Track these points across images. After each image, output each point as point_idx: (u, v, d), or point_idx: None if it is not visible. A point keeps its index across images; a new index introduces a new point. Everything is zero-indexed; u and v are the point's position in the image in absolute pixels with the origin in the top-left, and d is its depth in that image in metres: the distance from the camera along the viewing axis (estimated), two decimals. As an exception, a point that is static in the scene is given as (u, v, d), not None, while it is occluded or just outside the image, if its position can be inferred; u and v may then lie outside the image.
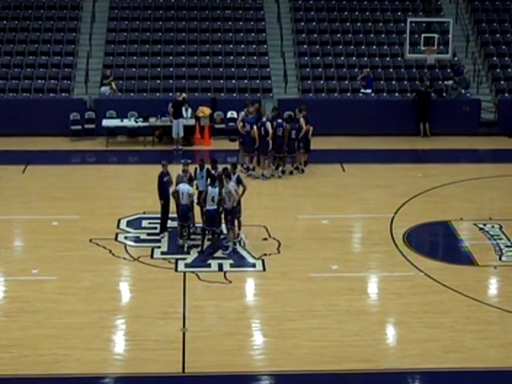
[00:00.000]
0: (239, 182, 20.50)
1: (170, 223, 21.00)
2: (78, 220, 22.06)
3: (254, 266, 19.41)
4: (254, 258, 19.74)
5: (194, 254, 19.84)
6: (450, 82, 32.57)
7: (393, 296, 17.93)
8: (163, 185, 20.67)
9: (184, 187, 19.95)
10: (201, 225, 20.43)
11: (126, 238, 20.91)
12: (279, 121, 26.00)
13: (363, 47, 34.51)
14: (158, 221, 21.14)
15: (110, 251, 19.99)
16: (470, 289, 18.17)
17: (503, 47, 34.88)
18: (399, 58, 34.10)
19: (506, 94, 33.05)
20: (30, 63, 33.07)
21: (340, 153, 28.61)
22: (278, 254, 20.06)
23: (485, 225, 21.93)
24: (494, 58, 34.45)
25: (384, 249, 20.40)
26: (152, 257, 19.76)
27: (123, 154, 29.23)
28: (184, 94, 30.09)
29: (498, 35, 35.34)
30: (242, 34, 34.76)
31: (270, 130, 25.59)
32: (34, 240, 20.90)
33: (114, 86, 31.72)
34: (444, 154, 29.37)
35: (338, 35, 34.94)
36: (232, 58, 33.84)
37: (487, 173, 26.68)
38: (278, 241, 20.74)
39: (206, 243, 20.10)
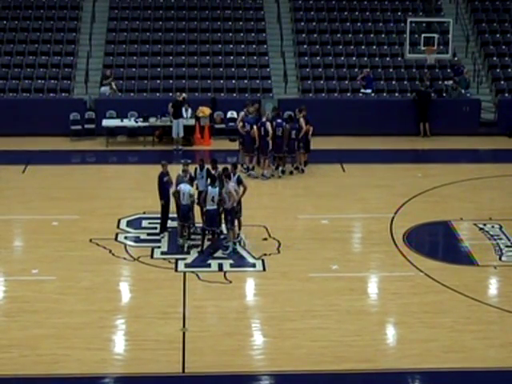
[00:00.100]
0: (239, 182, 20.49)
1: (169, 223, 21.00)
2: (78, 220, 22.06)
3: (254, 266, 19.41)
4: (254, 257, 19.74)
5: (194, 254, 19.84)
6: (450, 82, 32.57)
7: (393, 296, 17.93)
8: (163, 185, 20.67)
9: (185, 187, 19.96)
10: (201, 225, 20.43)
11: (126, 237, 20.92)
12: (279, 121, 26.01)
13: (363, 47, 34.51)
14: (158, 221, 21.14)
15: (110, 251, 19.99)
16: (470, 289, 18.17)
17: (503, 47, 34.88)
18: (399, 58, 34.11)
19: (506, 94, 33.05)
20: (30, 63, 33.07)
21: (340, 153, 28.62)
22: (277, 253, 20.06)
23: (485, 225, 21.93)
24: (494, 58, 34.45)
25: (384, 249, 20.40)
26: (152, 257, 19.76)
27: (123, 153, 29.23)
28: (184, 94, 30.09)
29: (498, 35, 35.34)
30: (242, 34, 34.76)
31: (270, 130, 25.60)
32: (34, 240, 20.90)
33: (114, 86, 31.72)
34: (444, 153, 29.37)
35: (338, 35, 34.94)
36: (232, 57, 33.84)
37: (487, 173, 26.68)
38: (278, 241, 20.74)
39: (206, 243, 20.10)
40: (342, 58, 34.03)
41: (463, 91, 32.08)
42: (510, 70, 34.10)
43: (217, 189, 19.76)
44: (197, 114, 30.00)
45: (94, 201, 23.67)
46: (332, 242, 20.78)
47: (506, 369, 15.13)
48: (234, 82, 32.85)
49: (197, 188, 20.85)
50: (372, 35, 35.03)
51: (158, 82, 32.79)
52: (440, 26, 34.04)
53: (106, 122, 29.99)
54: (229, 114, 30.91)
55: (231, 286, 18.29)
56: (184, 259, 19.58)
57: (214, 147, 29.51)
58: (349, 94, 32.73)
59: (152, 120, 29.78)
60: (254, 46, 34.35)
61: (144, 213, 22.42)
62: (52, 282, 18.35)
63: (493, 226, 21.83)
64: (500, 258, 20.00)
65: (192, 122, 29.79)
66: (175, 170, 21.37)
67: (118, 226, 21.58)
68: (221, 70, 33.31)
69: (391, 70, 33.81)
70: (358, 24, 35.41)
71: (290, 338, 15.97)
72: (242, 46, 34.34)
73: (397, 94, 32.91)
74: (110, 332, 16.30)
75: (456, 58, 33.97)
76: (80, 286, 18.18)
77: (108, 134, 29.89)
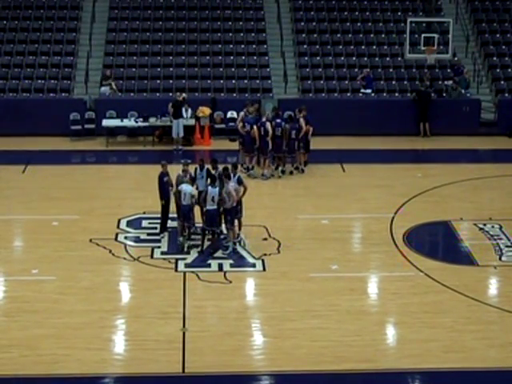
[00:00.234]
0: (240, 182, 20.48)
1: (170, 223, 21.00)
2: (78, 220, 22.06)
3: (254, 265, 19.41)
4: (254, 257, 19.74)
5: (194, 254, 19.84)
6: (450, 82, 32.57)
7: (393, 296, 17.93)
8: (163, 185, 20.66)
9: (187, 188, 19.96)
10: (201, 225, 20.43)
11: (126, 237, 20.92)
12: (278, 120, 26.01)
13: (363, 47, 34.51)
14: (158, 221, 21.14)
15: (110, 251, 19.99)
16: (470, 289, 18.17)
17: (503, 47, 34.89)
18: (399, 58, 34.11)
19: (506, 94, 33.06)
20: (30, 63, 33.08)
21: (340, 153, 28.62)
22: (277, 254, 20.06)
23: (485, 225, 21.93)
24: (494, 58, 34.45)
25: (384, 249, 20.40)
26: (152, 257, 19.76)
27: (123, 153, 29.23)
28: (184, 94, 30.10)
29: (498, 35, 35.35)
30: (242, 34, 34.76)
31: (270, 130, 25.59)
32: (34, 240, 20.90)
33: (114, 86, 31.72)
34: (444, 153, 29.37)
35: (338, 35, 34.95)
36: (232, 57, 33.85)
37: (487, 173, 26.68)
38: (278, 241, 20.74)
39: (206, 243, 20.10)
40: (342, 58, 34.03)
41: (463, 91, 32.08)
42: (510, 69, 34.10)
43: (217, 189, 19.76)
44: (197, 114, 30.00)
45: (94, 201, 23.67)
46: (332, 242, 20.77)
47: (506, 369, 15.13)
48: (233, 82, 32.85)
49: (197, 188, 20.84)
50: (372, 35, 35.03)
51: (158, 82, 32.80)
52: (440, 26, 34.05)
53: (105, 122, 29.99)
54: (229, 114, 30.91)
55: (231, 286, 18.29)
56: (184, 259, 19.58)
57: (214, 147, 29.51)
58: (349, 94, 32.73)
59: (152, 120, 29.78)
60: (253, 46, 34.35)
61: (144, 213, 22.42)
62: (52, 281, 18.35)
63: (493, 226, 21.83)
64: (500, 258, 20.00)
65: (192, 121, 29.79)
66: (175, 170, 21.37)
67: (118, 226, 21.58)
68: (221, 69, 33.31)
69: (391, 70, 33.82)
70: (358, 24, 35.42)
71: (289, 337, 15.97)
72: (242, 46, 34.35)
73: (397, 94, 32.91)
74: (110, 332, 16.30)
75: (456, 58, 33.97)
76: (80, 285, 18.18)
77: (108, 134, 29.90)
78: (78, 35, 34.56)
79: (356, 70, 33.47)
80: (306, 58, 34.01)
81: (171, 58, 33.74)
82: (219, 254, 19.87)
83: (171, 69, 33.28)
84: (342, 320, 16.74)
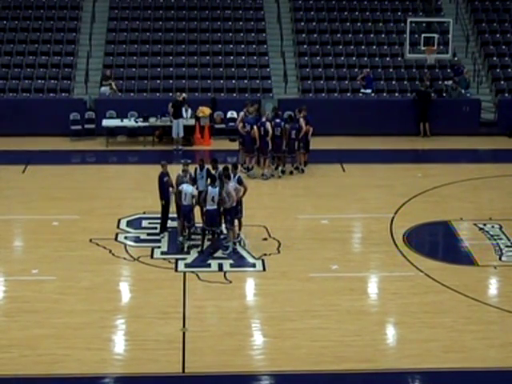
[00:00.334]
0: (240, 182, 20.47)
1: (170, 223, 20.99)
2: (78, 220, 22.06)
3: (254, 266, 19.41)
4: (254, 257, 19.74)
5: (194, 254, 19.84)
6: (450, 82, 32.57)
7: (393, 296, 17.93)
8: (163, 185, 20.66)
9: (188, 188, 19.95)
10: (201, 225, 20.43)
11: (126, 237, 20.92)
12: (277, 120, 26.00)
13: (363, 47, 34.51)
14: (158, 221, 21.13)
15: (110, 251, 19.99)
16: (470, 289, 18.17)
17: (503, 47, 34.89)
18: (399, 58, 34.11)
19: (506, 94, 33.06)
20: (30, 63, 33.08)
21: (340, 153, 28.62)
22: (277, 253, 20.06)
23: (485, 225, 21.93)
24: (494, 58, 34.46)
25: (384, 249, 20.40)
26: (152, 257, 19.76)
27: (123, 153, 29.23)
28: (184, 94, 30.10)
29: (498, 35, 35.35)
30: (242, 34, 34.76)
31: (270, 130, 25.59)
32: (34, 240, 20.90)
33: (114, 86, 31.72)
34: (444, 153, 29.37)
35: (338, 35, 34.95)
36: (232, 57, 33.85)
37: (487, 173, 26.68)
38: (277, 241, 20.74)
39: (206, 243, 20.10)
40: (342, 58, 34.04)
41: (463, 91, 32.08)
42: (510, 69, 34.10)
43: (217, 189, 19.75)
44: (197, 114, 30.00)
45: (94, 201, 23.67)
46: (332, 242, 20.77)
47: (506, 369, 15.13)
48: (234, 82, 32.85)
49: (197, 188, 20.83)
50: (372, 35, 35.03)
51: (158, 82, 32.80)
52: (440, 26, 34.06)
53: (105, 122, 29.99)
54: (229, 114, 30.91)
55: (231, 286, 18.29)
56: (184, 259, 19.58)
57: (214, 147, 29.52)
58: (349, 94, 32.73)
59: (152, 120, 29.78)
60: (254, 46, 34.36)
61: (144, 213, 22.42)
62: (52, 281, 18.35)
63: (493, 226, 21.83)
64: (500, 258, 20.00)
65: (192, 122, 29.79)
66: (175, 170, 21.37)
67: (118, 226, 21.58)
68: (221, 69, 33.32)
69: (391, 70, 33.82)
70: (358, 24, 35.42)
71: (289, 337, 15.97)
72: (242, 46, 34.35)
73: (397, 94, 32.91)
74: (110, 332, 16.30)
75: (456, 58, 33.97)
76: (80, 285, 18.18)
77: (108, 134, 29.90)
78: (78, 35, 34.56)
79: (356, 70, 33.48)
80: (306, 58, 34.01)
81: (171, 57, 33.74)
82: (219, 254, 19.87)
83: (171, 69, 33.28)
84: (342, 320, 16.74)
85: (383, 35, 35.09)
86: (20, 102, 31.29)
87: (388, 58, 34.19)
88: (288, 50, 34.41)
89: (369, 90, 32.26)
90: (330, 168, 26.98)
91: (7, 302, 17.64)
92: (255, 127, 25.72)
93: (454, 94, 32.08)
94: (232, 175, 20.30)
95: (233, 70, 33.40)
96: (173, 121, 29.13)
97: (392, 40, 34.84)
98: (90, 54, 33.45)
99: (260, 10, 36.06)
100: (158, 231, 21.04)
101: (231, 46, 34.31)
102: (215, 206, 19.72)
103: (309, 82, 33.06)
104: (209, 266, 19.31)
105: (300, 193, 24.76)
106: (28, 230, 21.84)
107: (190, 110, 29.88)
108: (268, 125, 25.70)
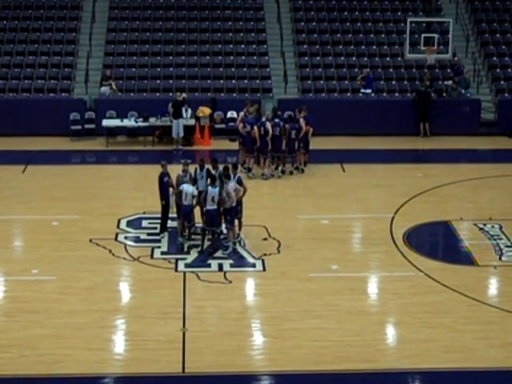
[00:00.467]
0: (240, 183, 20.46)
1: (170, 223, 20.99)
2: (78, 220, 22.06)
3: (254, 266, 19.41)
4: (254, 257, 19.74)
5: (194, 254, 19.84)
6: (450, 82, 32.57)
7: (393, 296, 17.93)
8: (163, 185, 20.66)
9: (188, 188, 19.95)
10: (201, 225, 20.43)
11: (126, 237, 20.92)
12: (276, 120, 26.00)
13: (363, 47, 34.52)
14: (158, 221, 21.13)
15: (110, 251, 19.99)
16: (470, 289, 18.17)
17: (503, 47, 34.89)
18: (399, 58, 34.11)
19: (506, 94, 33.06)
20: (30, 63, 33.08)
21: (340, 153, 28.62)
22: (277, 253, 20.06)
23: (485, 225, 21.93)
24: (494, 58, 34.46)
25: (384, 249, 20.40)
26: (152, 257, 19.76)
27: (123, 153, 29.23)
28: (184, 94, 30.10)
29: (498, 35, 35.36)
30: (242, 34, 34.77)
31: (271, 130, 25.59)
32: (34, 240, 20.90)
33: (114, 86, 31.72)
34: (444, 153, 29.37)
35: (338, 35, 34.95)
36: (232, 57, 33.85)
37: (487, 173, 26.68)
38: (277, 241, 20.74)
39: (206, 243, 20.10)
40: (342, 58, 34.04)
41: (463, 91, 32.09)
42: (510, 69, 34.11)
43: (217, 189, 19.75)
44: (197, 114, 30.00)
45: (94, 201, 23.67)
46: (332, 242, 20.77)
47: (506, 369, 15.13)
48: (234, 82, 32.86)
49: (197, 188, 20.83)
50: (372, 35, 35.04)
51: (158, 82, 32.80)
52: (440, 26, 34.06)
53: (105, 122, 29.99)
54: (229, 114, 30.91)
55: (231, 286, 18.29)
56: (184, 259, 19.58)
57: (214, 147, 29.52)
58: (349, 94, 32.73)
59: (152, 120, 29.78)
60: (253, 46, 34.36)
61: (144, 213, 22.42)
62: (52, 281, 18.35)
63: (493, 226, 21.83)
64: (500, 258, 20.00)
65: (192, 122, 29.79)
66: (175, 170, 21.37)
67: (118, 226, 21.58)
68: (221, 70, 33.32)
69: (391, 70, 33.82)
70: (358, 24, 35.42)
71: (289, 337, 15.97)
72: (242, 46, 34.35)
73: (397, 94, 32.92)
74: (110, 332, 16.30)
75: (456, 58, 33.97)
76: (80, 285, 18.18)
77: (108, 134, 29.90)
78: (78, 35, 34.57)
79: (356, 70, 33.48)
80: (306, 58, 34.01)
81: (171, 57, 33.74)
82: (219, 253, 19.87)
83: (171, 69, 33.28)
84: (342, 320, 16.74)
85: (383, 35, 35.09)
86: (20, 101, 31.30)
87: (388, 58, 34.20)
88: (288, 50, 34.41)
89: (369, 90, 32.26)
90: (330, 168, 26.98)
91: (7, 301, 17.64)
92: (255, 127, 25.71)
93: (454, 94, 32.09)
94: (232, 175, 20.30)
95: (233, 69, 33.40)
96: (173, 121, 29.13)
97: (392, 40, 34.84)
98: (89, 54, 33.45)
99: (260, 10, 36.07)
100: (158, 231, 21.04)
101: (231, 46, 34.32)
102: (215, 206, 19.72)
103: (309, 82, 33.07)
104: (209, 265, 19.31)
105: (300, 193, 24.76)
106: (28, 230, 21.84)
107: (189, 110, 29.88)
108: (268, 125, 25.70)
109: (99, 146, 29.72)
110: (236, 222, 20.33)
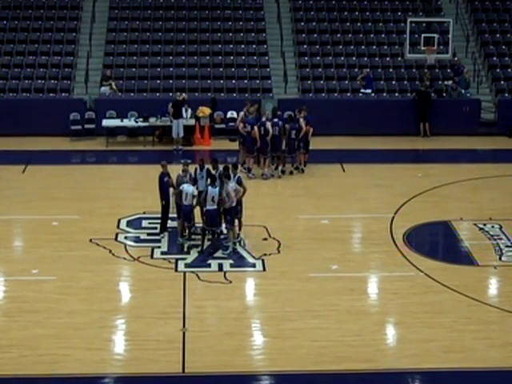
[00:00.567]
0: (239, 183, 20.46)
1: (170, 223, 20.99)
2: (78, 220, 22.06)
3: (254, 266, 19.41)
4: (254, 257, 19.74)
5: (194, 254, 19.84)
6: (450, 82, 32.57)
7: (393, 296, 17.92)
8: (164, 185, 20.66)
9: (188, 188, 19.94)
10: (201, 225, 20.43)
11: (126, 237, 20.92)
12: (275, 120, 26.00)
13: (363, 47, 34.52)
14: (158, 221, 21.13)
15: (110, 251, 19.99)
16: (470, 289, 18.17)
17: (503, 47, 34.90)
18: (399, 58, 34.11)
19: (506, 94, 33.06)
20: (30, 63, 33.08)
21: (340, 153, 28.62)
22: (277, 253, 20.06)
23: (485, 225, 21.93)
24: (494, 58, 34.46)
25: (384, 249, 20.40)
26: (152, 257, 19.76)
27: (123, 153, 29.24)
28: (184, 94, 30.10)
29: (498, 35, 35.36)
30: (242, 34, 34.77)
31: (271, 130, 25.59)
32: (34, 240, 20.89)
33: (114, 86, 31.72)
34: (444, 153, 29.37)
35: (338, 35, 34.95)
36: (232, 57, 33.85)
37: (487, 173, 26.68)
38: (278, 241, 20.74)
39: (206, 243, 20.10)
40: (342, 58, 34.04)
41: (463, 91, 32.09)
42: (510, 69, 34.11)
43: (217, 189, 19.75)
44: (197, 114, 30.01)
45: (94, 201, 23.67)
46: (332, 242, 20.77)
47: (506, 369, 15.13)
48: (234, 82, 32.86)
49: (197, 188, 20.83)
50: (372, 35, 35.04)
51: (158, 82, 32.80)
52: (440, 26, 34.07)
53: (106, 122, 29.99)
54: (229, 114, 30.91)
55: (231, 286, 18.29)
56: (184, 259, 19.58)
57: (214, 147, 29.52)
58: (349, 94, 32.73)
59: (152, 120, 29.78)
60: (254, 46, 34.36)
61: (144, 213, 22.42)
62: (52, 281, 18.35)
63: (493, 226, 21.83)
64: (500, 258, 20.00)
65: (192, 122, 29.79)
66: (175, 170, 21.37)
67: (118, 226, 21.58)
68: (221, 70, 33.32)
69: (391, 70, 33.82)
70: (358, 24, 35.43)
71: (290, 337, 15.97)
72: (242, 46, 34.35)
73: (397, 94, 32.92)
74: (110, 332, 16.30)
75: (456, 58, 33.98)
76: (80, 285, 18.18)
77: (108, 134, 29.90)
78: (78, 35, 34.57)
79: (356, 70, 33.48)
80: (306, 58, 34.01)
81: (171, 57, 33.74)
82: (219, 253, 19.87)
83: (171, 69, 33.28)
84: (342, 320, 16.74)
85: (383, 35, 35.09)
86: (20, 101, 31.29)
87: (388, 58, 34.20)
88: (288, 49, 34.41)
89: (369, 90, 32.26)
90: (330, 168, 26.98)
91: (7, 301, 17.64)
92: (255, 127, 25.71)
93: (454, 94, 32.09)
94: (232, 175, 20.30)
95: (233, 69, 33.40)
96: (173, 121, 29.14)
97: (392, 40, 34.84)
98: (89, 54, 33.45)
99: (260, 10, 36.07)
100: (158, 231, 21.04)
101: (231, 46, 34.32)
102: (215, 206, 19.71)
103: (309, 82, 33.07)
104: (209, 266, 19.30)
105: (300, 193, 24.76)
106: (28, 230, 21.84)
107: (189, 110, 29.88)
108: (268, 124, 25.69)
109: (99, 145, 29.72)
110: (236, 222, 20.33)
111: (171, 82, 32.77)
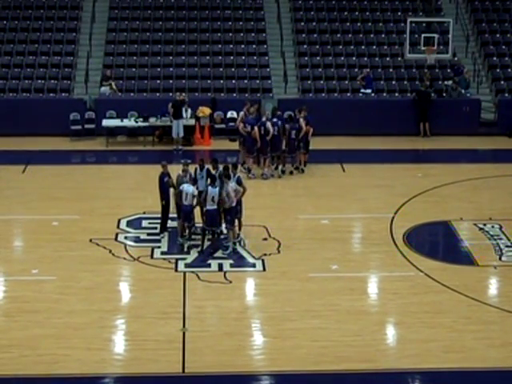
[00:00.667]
0: (239, 183, 20.46)
1: (170, 223, 20.99)
2: (78, 220, 22.06)
3: (254, 266, 19.41)
4: (254, 257, 19.74)
5: (194, 254, 19.84)
6: (450, 82, 32.57)
7: (393, 296, 17.92)
8: (164, 185, 20.66)
9: (188, 188, 19.94)
10: (201, 225, 20.43)
11: (126, 237, 20.92)
12: (274, 119, 26.00)
13: (363, 47, 34.52)
14: (158, 221, 21.13)
15: (110, 251, 19.99)
16: (470, 289, 18.17)
17: (503, 47, 34.89)
18: (399, 58, 34.11)
19: (506, 94, 33.06)
20: (30, 63, 33.08)
21: (340, 153, 28.62)
22: (278, 253, 20.06)
23: (485, 225, 21.93)
24: (494, 58, 34.46)
25: (384, 249, 20.40)
26: (152, 257, 19.76)
27: (123, 153, 29.24)
28: (184, 94, 30.09)
29: (498, 35, 35.36)
30: (242, 34, 34.77)
31: (271, 130, 25.59)
32: (34, 240, 20.90)
33: (114, 86, 31.72)
34: (444, 153, 29.37)
35: (338, 35, 34.95)
36: (232, 57, 33.85)
37: (487, 173, 26.68)
38: (278, 241, 20.74)
39: (206, 243, 20.10)
40: (342, 58, 34.04)
41: (463, 91, 32.09)
42: (510, 69, 34.11)
43: (217, 189, 19.74)
44: (197, 114, 30.01)
45: (94, 201, 23.67)
46: (332, 242, 20.77)
47: (506, 369, 15.13)
48: (234, 82, 32.86)
49: (197, 188, 20.83)
50: (372, 35, 35.04)
51: (158, 82, 32.80)
52: (440, 26, 34.07)
53: (106, 122, 29.99)
54: (229, 114, 30.91)
55: (231, 286, 18.29)
56: (184, 259, 19.58)
57: (214, 147, 29.52)
58: (349, 94, 32.73)
59: (152, 120, 29.78)
60: (254, 46, 34.36)
61: (144, 213, 22.42)
62: (52, 281, 18.35)
63: (493, 226, 21.83)
64: (500, 258, 20.00)
65: (192, 122, 29.79)
66: (175, 170, 21.37)
67: (118, 226, 21.58)
68: (221, 70, 33.32)
69: (391, 70, 33.82)
70: (358, 24, 35.43)
71: (290, 337, 15.97)
72: (242, 46, 34.35)
73: (397, 94, 32.92)
74: (110, 332, 16.30)
75: (456, 58, 33.98)
76: (80, 285, 18.18)
77: (108, 134, 29.90)
78: (78, 35, 34.57)
79: (356, 70, 33.48)
80: (306, 58, 34.01)
81: (171, 57, 33.74)
82: (219, 253, 19.87)
83: (171, 69, 33.28)
84: (342, 320, 16.74)
85: (383, 35, 35.09)
86: (20, 101, 31.29)
87: (388, 58, 34.20)
88: (288, 49, 34.41)
89: (369, 90, 32.26)
90: (330, 168, 26.98)
91: (7, 301, 17.64)
92: (256, 127, 25.70)
93: (454, 94, 32.09)
94: (232, 175, 20.30)
95: (233, 69, 33.40)
96: (173, 121, 29.14)
97: (392, 40, 34.84)
98: (89, 54, 33.45)
99: (260, 10, 36.07)
100: (158, 231, 21.04)
101: (231, 46, 34.32)
102: (215, 206, 19.71)
103: (309, 82, 33.07)
104: (209, 266, 19.30)
105: (300, 193, 24.76)
106: (28, 230, 21.84)
107: (189, 110, 29.88)
108: (269, 124, 25.69)
109: (99, 145, 29.72)
110: (236, 222, 20.33)
111: (171, 81, 32.77)
